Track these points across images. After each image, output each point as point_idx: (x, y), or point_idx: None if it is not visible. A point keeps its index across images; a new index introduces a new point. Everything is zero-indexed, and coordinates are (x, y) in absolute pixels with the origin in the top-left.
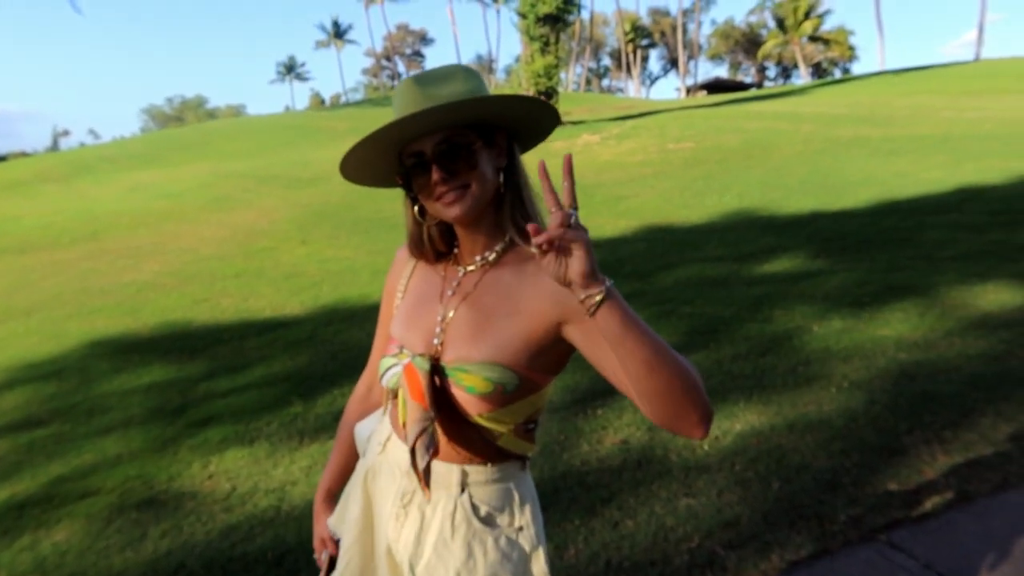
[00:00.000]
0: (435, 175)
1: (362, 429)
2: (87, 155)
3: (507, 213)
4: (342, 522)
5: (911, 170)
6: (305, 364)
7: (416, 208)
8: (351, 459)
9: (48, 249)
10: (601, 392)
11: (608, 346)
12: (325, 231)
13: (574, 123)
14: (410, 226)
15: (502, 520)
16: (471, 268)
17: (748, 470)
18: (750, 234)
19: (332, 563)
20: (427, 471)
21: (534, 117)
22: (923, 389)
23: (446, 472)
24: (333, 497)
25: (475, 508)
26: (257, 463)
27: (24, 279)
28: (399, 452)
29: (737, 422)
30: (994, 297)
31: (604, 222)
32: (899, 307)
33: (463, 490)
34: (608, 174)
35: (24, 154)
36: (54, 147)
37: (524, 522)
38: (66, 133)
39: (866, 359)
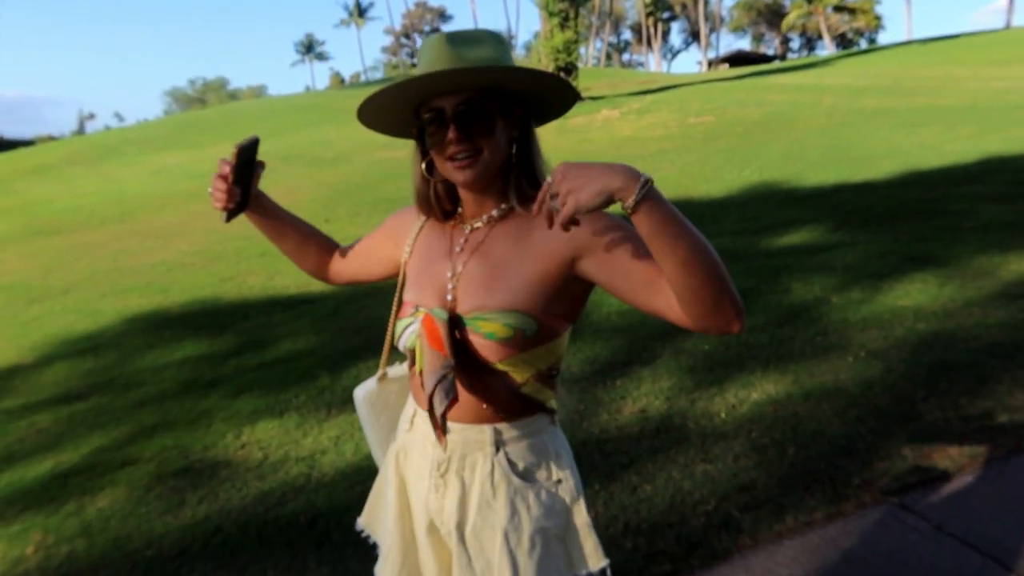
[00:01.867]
0: (451, 134)
1: (359, 391)
2: (113, 138)
3: (514, 183)
4: (375, 521)
5: (935, 141)
6: (330, 339)
7: (424, 164)
8: (288, 228)
9: (79, 231)
10: (620, 363)
11: (648, 245)
12: (347, 209)
13: (594, 98)
14: (417, 182)
15: (540, 475)
16: (477, 225)
17: (764, 437)
18: (770, 207)
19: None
20: (444, 419)
21: (555, 92)
22: (940, 358)
23: (478, 434)
24: (259, 199)
25: (512, 465)
26: (287, 433)
27: (58, 260)
28: (427, 425)
29: (754, 391)
30: (1015, 267)
31: None
32: (919, 278)
33: (498, 449)
34: (628, 149)
35: (51, 138)
36: (80, 131)
37: (562, 475)
38: (92, 116)
39: (884, 329)
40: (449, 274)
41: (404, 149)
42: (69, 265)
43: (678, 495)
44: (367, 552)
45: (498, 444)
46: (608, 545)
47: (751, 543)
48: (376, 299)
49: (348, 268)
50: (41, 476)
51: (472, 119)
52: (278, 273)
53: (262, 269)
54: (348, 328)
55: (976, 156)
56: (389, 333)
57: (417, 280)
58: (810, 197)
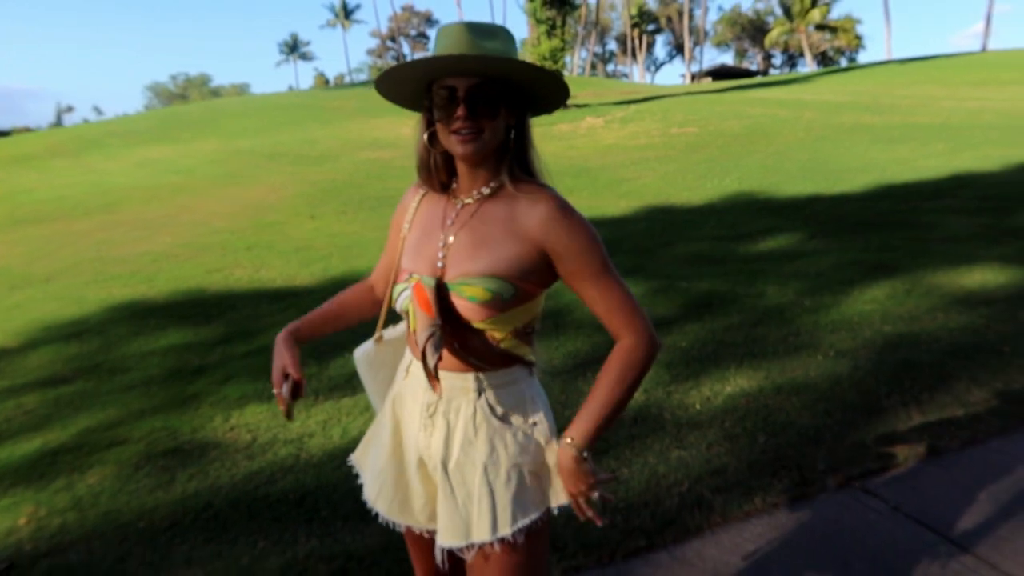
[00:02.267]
0: (460, 111)
1: (358, 352)
2: (95, 130)
3: (507, 163)
4: (365, 456)
5: (909, 157)
6: None
7: (427, 135)
8: (329, 317)
9: (63, 220)
10: (600, 358)
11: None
12: (333, 207)
13: (579, 106)
14: (420, 151)
15: (517, 419)
16: (468, 201)
17: (736, 426)
18: (748, 215)
19: (294, 390)
20: (435, 369)
21: (552, 88)
22: (904, 357)
23: (463, 381)
24: (296, 338)
25: (492, 409)
26: (275, 417)
27: (41, 248)
28: (420, 372)
29: (728, 385)
30: (979, 276)
31: (607, 203)
32: (887, 284)
33: (480, 395)
34: (611, 157)
35: (28, 130)
36: (58, 123)
37: (537, 418)
38: (70, 109)
39: (852, 330)
40: (440, 243)
41: (388, 150)
42: (52, 253)
43: (653, 478)
44: (356, 525)
45: (480, 390)
46: (586, 523)
47: (721, 521)
48: None
49: (381, 283)
50: (30, 454)
51: (480, 101)
52: (264, 265)
53: (248, 262)
54: None
55: (948, 172)
56: (386, 299)
57: (413, 249)
58: (787, 207)
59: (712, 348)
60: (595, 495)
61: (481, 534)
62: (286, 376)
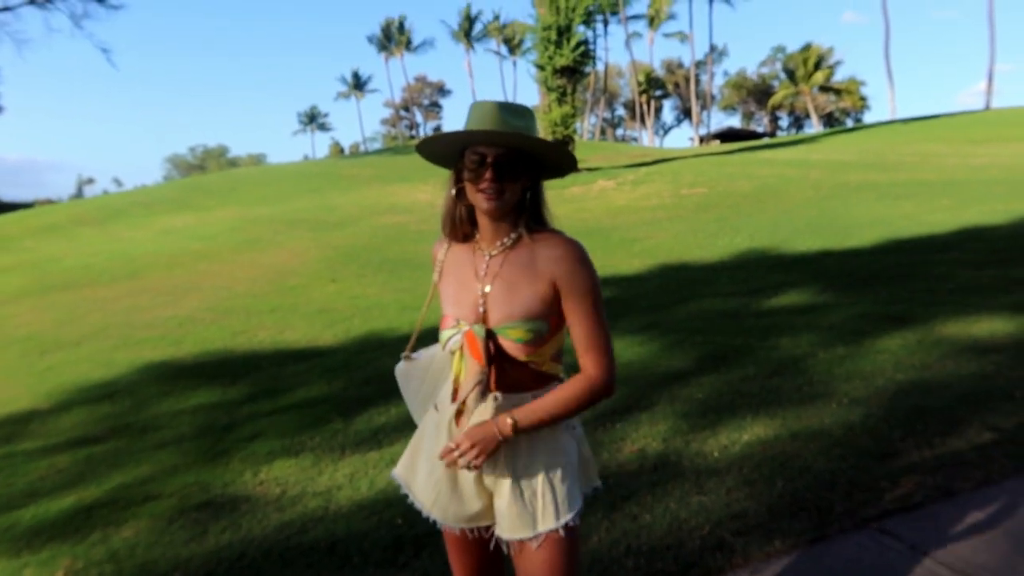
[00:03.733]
0: (488, 174)
1: (398, 368)
2: (117, 201)
3: (525, 217)
4: (412, 471)
5: (916, 212)
6: (341, 388)
7: (455, 191)
8: None
9: (90, 287)
10: (620, 409)
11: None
12: (353, 270)
13: (590, 169)
14: (448, 205)
15: (562, 424)
16: (494, 253)
17: (754, 472)
18: (760, 272)
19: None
20: (473, 409)
21: (563, 162)
22: (916, 403)
23: (520, 400)
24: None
25: None
26: (303, 471)
27: (70, 314)
28: (489, 399)
29: (745, 433)
30: (987, 325)
31: (620, 262)
32: (898, 335)
33: None
34: (623, 217)
35: (50, 201)
36: (79, 195)
37: (574, 422)
38: (91, 181)
39: (865, 379)
40: (479, 293)
41: (404, 215)
42: (81, 318)
43: (675, 522)
44: (387, 571)
45: None
46: (610, 565)
47: (743, 562)
48: (384, 352)
49: None
50: (65, 509)
51: (506, 168)
52: (288, 327)
53: (272, 324)
54: (359, 378)
55: (954, 226)
56: (419, 323)
57: (454, 297)
58: (797, 262)
59: (728, 398)
60: (470, 462)
61: (547, 523)
62: None
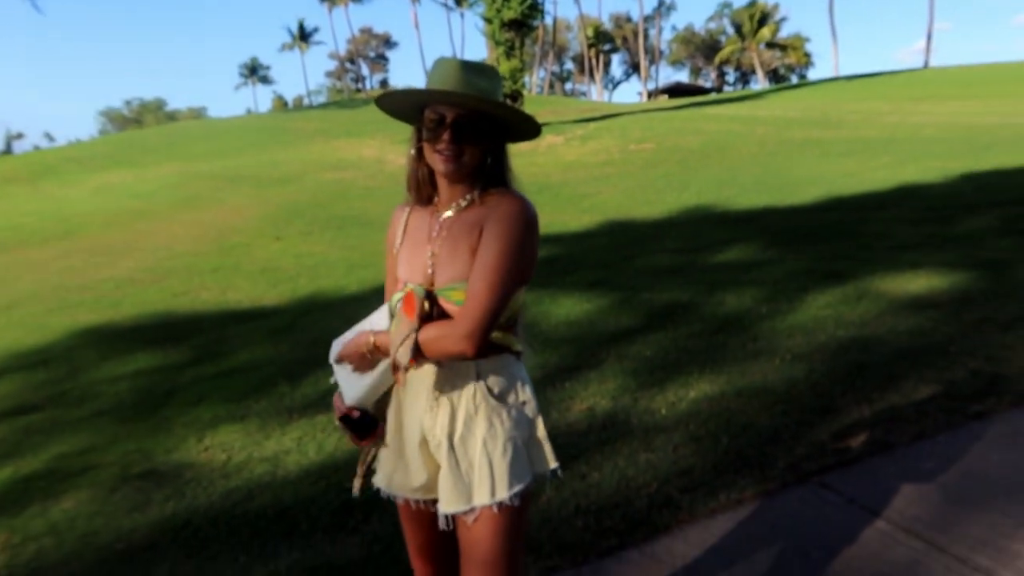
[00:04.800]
0: (446, 135)
1: (335, 343)
2: (49, 157)
3: (482, 180)
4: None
5: (857, 170)
6: (287, 350)
7: (415, 150)
8: None
9: (20, 248)
10: (568, 368)
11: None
12: (298, 228)
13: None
14: (410, 164)
15: (510, 398)
16: (448, 214)
17: (700, 429)
18: (706, 228)
19: (348, 421)
20: (406, 367)
21: (525, 128)
22: (857, 359)
23: (464, 369)
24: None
25: (489, 390)
26: (249, 436)
27: (0, 277)
28: (427, 364)
29: (691, 390)
30: (924, 282)
31: (569, 218)
32: (839, 291)
33: (478, 379)
34: (572, 173)
35: None
36: (7, 150)
37: (526, 397)
38: (20, 136)
39: (807, 335)
40: (428, 254)
41: (351, 171)
42: (12, 282)
43: (623, 480)
44: (336, 536)
45: (478, 375)
46: (560, 525)
47: (689, 518)
48: (331, 313)
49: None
50: (2, 482)
51: (464, 130)
52: (231, 288)
53: (214, 284)
54: (305, 340)
55: (893, 184)
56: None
57: (406, 261)
58: (742, 219)
59: (675, 356)
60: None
61: (482, 498)
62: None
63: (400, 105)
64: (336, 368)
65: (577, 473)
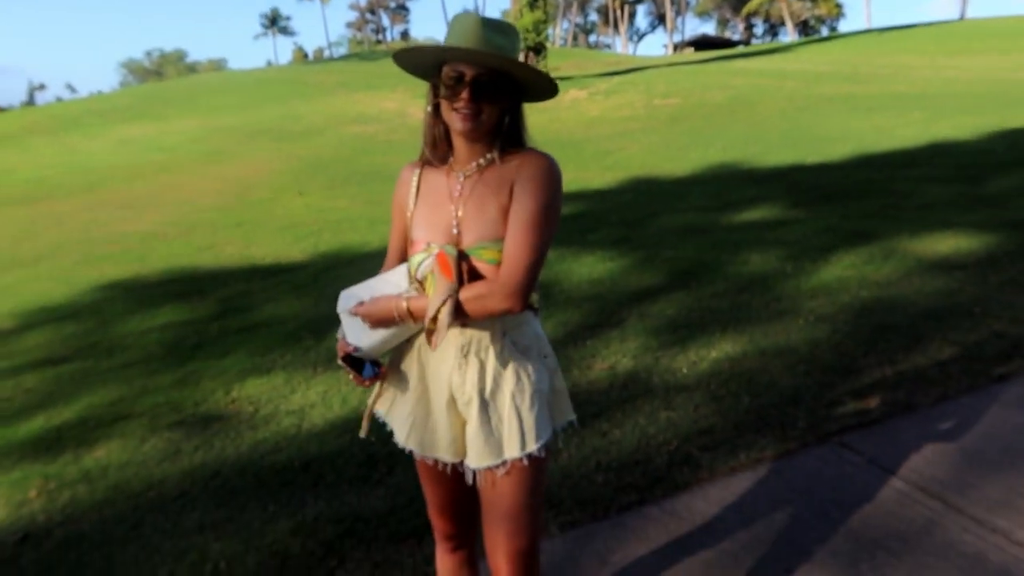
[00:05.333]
0: (465, 94)
1: (344, 294)
2: (72, 109)
3: (500, 140)
4: (389, 400)
5: (888, 126)
6: (311, 304)
7: (432, 107)
8: None
9: (46, 201)
10: (590, 326)
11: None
12: (321, 182)
13: (562, 79)
14: (427, 121)
15: (533, 352)
16: (468, 173)
17: (722, 388)
18: (731, 185)
19: (351, 361)
20: (446, 329)
21: (543, 88)
22: (880, 320)
23: (490, 326)
24: None
25: (515, 345)
26: (276, 389)
27: (26, 230)
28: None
29: (713, 350)
30: (952, 242)
31: (592, 175)
32: (865, 251)
33: (504, 335)
34: (596, 129)
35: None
36: (30, 101)
37: (547, 351)
38: (42, 87)
39: (831, 296)
40: (453, 214)
41: (373, 124)
42: (38, 234)
43: (644, 438)
44: (360, 488)
45: (504, 331)
46: (580, 480)
47: (708, 476)
48: (354, 268)
49: (397, 259)
50: (35, 431)
51: (484, 89)
52: (255, 243)
53: (239, 239)
54: (329, 295)
55: (924, 141)
56: (387, 262)
57: (426, 220)
58: (769, 176)
59: (698, 315)
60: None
61: (512, 451)
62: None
63: (419, 61)
64: (344, 318)
65: (598, 430)
